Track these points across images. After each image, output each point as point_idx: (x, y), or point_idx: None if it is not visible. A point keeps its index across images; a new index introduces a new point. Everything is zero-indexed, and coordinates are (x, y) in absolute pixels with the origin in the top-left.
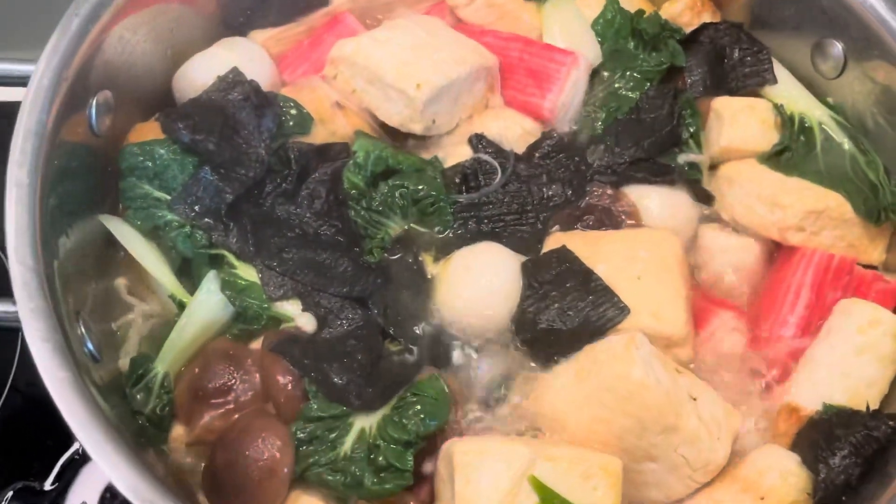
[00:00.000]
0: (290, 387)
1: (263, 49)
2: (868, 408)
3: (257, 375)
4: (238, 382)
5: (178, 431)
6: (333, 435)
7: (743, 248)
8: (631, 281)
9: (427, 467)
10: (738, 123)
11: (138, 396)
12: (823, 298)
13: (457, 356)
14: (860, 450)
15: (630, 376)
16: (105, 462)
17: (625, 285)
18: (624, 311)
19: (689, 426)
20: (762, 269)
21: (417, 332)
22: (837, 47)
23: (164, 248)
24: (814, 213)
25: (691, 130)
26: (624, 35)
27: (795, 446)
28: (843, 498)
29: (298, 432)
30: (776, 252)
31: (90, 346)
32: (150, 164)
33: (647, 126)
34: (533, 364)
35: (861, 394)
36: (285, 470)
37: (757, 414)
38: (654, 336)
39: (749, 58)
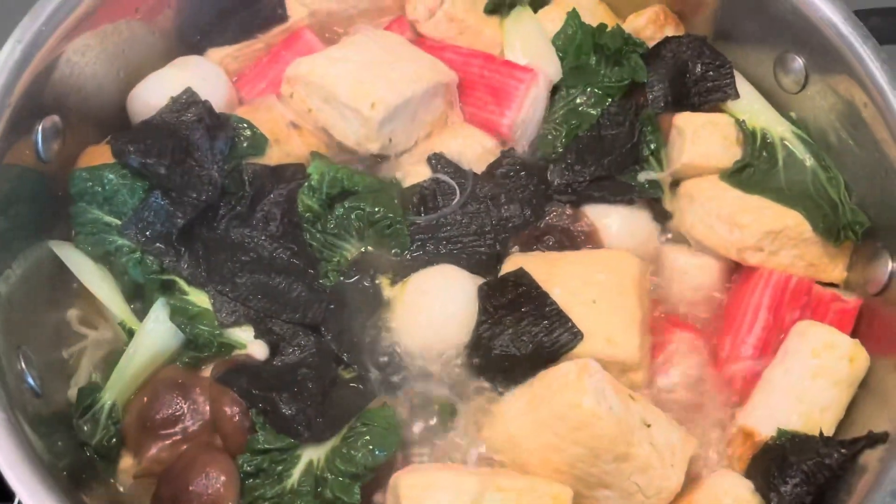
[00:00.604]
0: (236, 418)
1: (220, 67)
2: (821, 434)
3: (206, 405)
4: (186, 413)
5: (126, 462)
6: (280, 468)
7: (702, 267)
8: (586, 305)
9: (377, 498)
10: (699, 140)
11: (85, 427)
12: (781, 319)
13: (410, 382)
14: (812, 478)
15: (581, 405)
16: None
17: (580, 309)
18: (577, 336)
19: (642, 454)
20: (721, 289)
21: (371, 357)
22: (799, 61)
23: (116, 274)
24: (772, 233)
25: (652, 147)
26: (585, 50)
27: (750, 472)
28: None
29: (245, 465)
30: (736, 272)
31: (31, 381)
32: (99, 189)
33: (607, 143)
34: (487, 390)
35: (815, 419)
36: (229, 501)
37: (713, 437)
38: (607, 362)
39: (711, 72)
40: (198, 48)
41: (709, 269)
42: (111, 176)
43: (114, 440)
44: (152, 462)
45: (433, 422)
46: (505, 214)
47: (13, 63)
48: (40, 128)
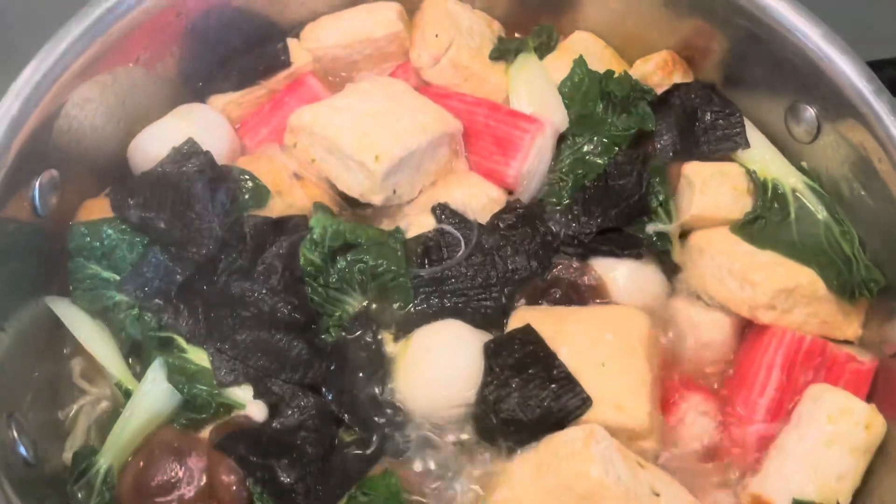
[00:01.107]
0: (234, 487)
1: (222, 115)
2: None
3: (203, 471)
4: (182, 479)
5: None
6: None
7: (714, 323)
8: (595, 367)
9: None
10: (709, 190)
11: (79, 494)
12: (795, 380)
13: (413, 445)
14: None
15: (589, 474)
16: None
17: (588, 372)
18: (586, 402)
19: None
20: (733, 345)
21: (373, 419)
22: (810, 111)
23: (115, 330)
24: (785, 290)
25: (660, 199)
26: (592, 98)
27: None
28: None
29: None
30: (748, 328)
31: (23, 450)
32: (97, 244)
33: (614, 194)
34: (492, 453)
35: (831, 488)
36: None
37: None
38: (616, 429)
39: (721, 121)
40: (200, 95)
41: (720, 324)
42: (110, 231)
43: None
44: None
45: (437, 485)
46: (511, 267)
47: (11, 119)
48: (38, 183)
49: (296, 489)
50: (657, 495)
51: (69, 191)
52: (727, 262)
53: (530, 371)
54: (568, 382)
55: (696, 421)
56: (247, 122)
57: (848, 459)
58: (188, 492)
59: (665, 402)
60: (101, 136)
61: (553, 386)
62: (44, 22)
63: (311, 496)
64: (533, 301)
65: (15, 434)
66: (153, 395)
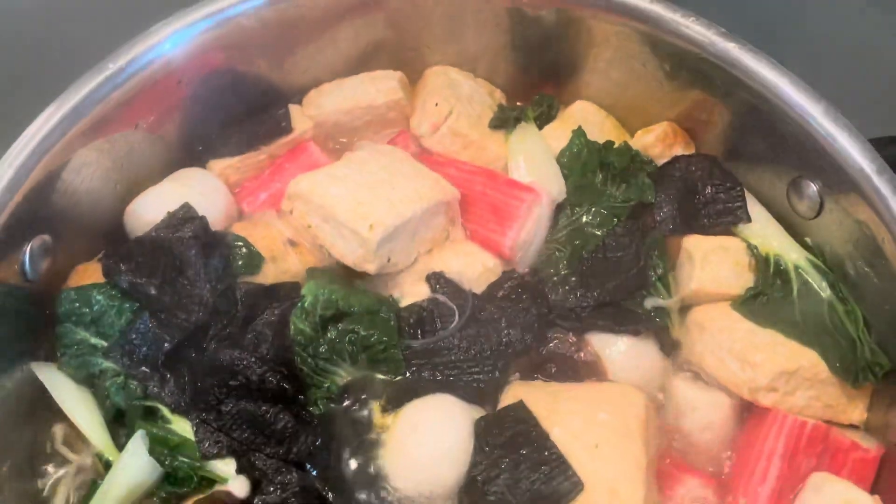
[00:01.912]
0: None
1: (220, 180)
2: None
3: None
4: None
5: None
6: None
7: (713, 404)
8: (588, 449)
9: None
10: (709, 265)
11: None
12: (797, 468)
13: None
14: None
15: None
16: None
17: (581, 454)
18: (577, 486)
19: None
20: (733, 428)
21: (358, 497)
22: (813, 187)
23: (100, 398)
24: (786, 373)
25: (659, 273)
26: (591, 168)
27: None
28: None
29: None
30: (748, 411)
31: None
32: (87, 310)
33: (612, 266)
34: None
35: None
36: None
37: None
38: None
39: (722, 194)
40: (199, 159)
41: (720, 406)
42: (99, 297)
43: None
44: None
45: None
46: (505, 340)
47: (4, 185)
48: (29, 248)
49: None
50: None
51: (61, 255)
52: (727, 340)
53: (521, 451)
54: (559, 464)
55: None
56: (245, 186)
57: None
58: None
59: (661, 486)
60: (96, 199)
61: (544, 468)
62: (44, 86)
63: None
64: (527, 375)
65: None
66: (133, 467)
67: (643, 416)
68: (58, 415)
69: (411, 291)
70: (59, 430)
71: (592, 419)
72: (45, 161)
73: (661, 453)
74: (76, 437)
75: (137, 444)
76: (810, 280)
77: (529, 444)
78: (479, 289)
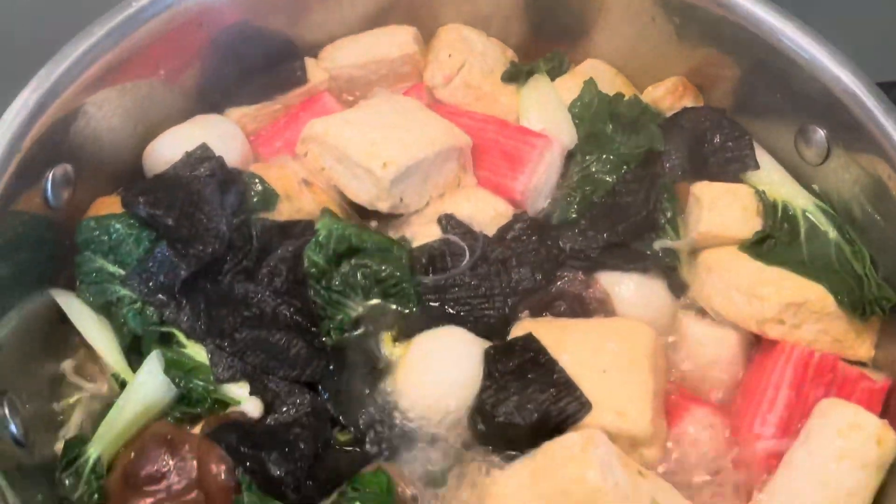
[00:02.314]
0: (222, 477)
1: (237, 126)
2: None
3: (194, 463)
4: (172, 470)
5: None
6: None
7: (721, 339)
8: (596, 373)
9: None
10: (717, 209)
11: (67, 482)
12: (805, 397)
13: (408, 448)
14: None
15: (585, 479)
16: None
17: (589, 378)
18: (585, 406)
19: None
20: (741, 362)
21: (368, 420)
22: (821, 133)
23: (116, 326)
24: (793, 305)
25: (668, 216)
26: (602, 118)
27: None
28: None
29: None
30: (756, 346)
31: (13, 429)
32: (105, 238)
33: (622, 210)
34: (489, 459)
35: None
36: None
37: None
38: (617, 435)
39: (730, 143)
40: (217, 107)
41: (727, 341)
42: (118, 225)
43: (95, 496)
44: None
45: (430, 490)
46: (515, 278)
47: (28, 109)
48: (51, 175)
49: (285, 481)
50: None
51: (82, 188)
52: (735, 278)
53: (529, 376)
54: (567, 386)
55: (701, 434)
56: (261, 134)
57: (859, 475)
58: (177, 483)
59: (669, 415)
60: (117, 137)
61: (552, 390)
62: (70, 25)
63: (301, 490)
64: (537, 313)
65: (6, 411)
66: (149, 385)
67: (651, 347)
68: (74, 346)
69: (422, 233)
70: (75, 361)
71: (601, 348)
72: (69, 93)
73: (669, 387)
74: (92, 366)
75: (153, 362)
76: (817, 223)
77: (538, 369)
78: (489, 232)
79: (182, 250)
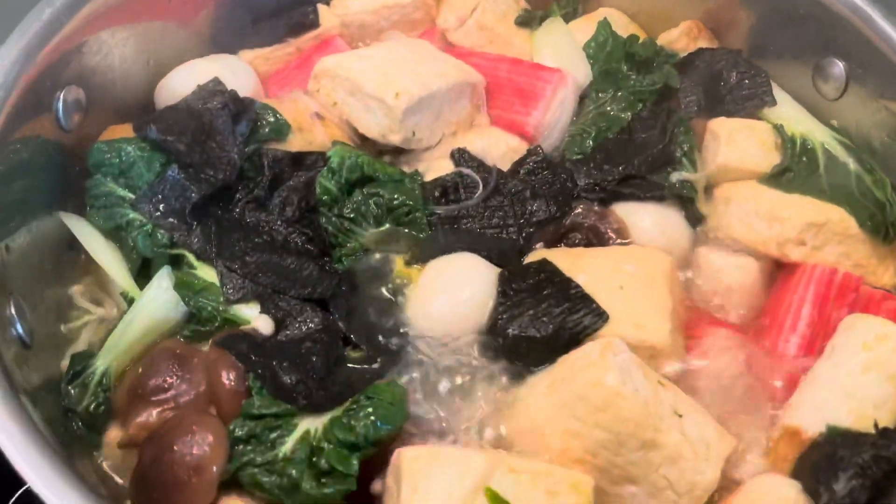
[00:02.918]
0: (232, 382)
1: (250, 66)
2: (877, 426)
3: (203, 377)
4: (181, 381)
5: (112, 434)
6: (274, 434)
7: (740, 267)
8: (613, 290)
9: (376, 487)
10: (735, 143)
11: (73, 392)
12: (827, 317)
13: (422, 366)
14: (868, 471)
15: (604, 383)
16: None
17: (606, 294)
18: (602, 316)
19: (671, 442)
20: (761, 290)
21: (381, 339)
22: (839, 66)
23: (125, 251)
24: (814, 225)
25: (685, 149)
26: (616, 58)
27: (796, 472)
28: None
29: (236, 430)
30: (777, 273)
31: (20, 328)
32: (116, 161)
33: (638, 145)
34: (504, 376)
35: (868, 415)
36: (215, 469)
37: (752, 439)
38: (635, 346)
39: (747, 80)
40: (230, 49)
41: (747, 269)
42: (129, 148)
43: (101, 408)
44: (139, 429)
45: (444, 406)
46: (529, 209)
47: (41, 24)
48: (62, 95)
49: (296, 389)
50: (679, 416)
51: (94, 115)
52: (754, 205)
53: (545, 292)
54: (583, 300)
55: (721, 355)
56: (273, 76)
57: (886, 386)
58: (186, 394)
59: (688, 338)
60: (129, 69)
61: (567, 304)
62: None
63: (312, 398)
64: (552, 245)
65: (13, 310)
66: (158, 301)
67: (668, 269)
68: (81, 271)
69: (435, 167)
70: (82, 285)
71: (617, 269)
72: (84, 12)
73: (688, 313)
74: (100, 293)
75: (163, 277)
76: (837, 155)
77: (553, 286)
78: (503, 167)
79: (193, 174)
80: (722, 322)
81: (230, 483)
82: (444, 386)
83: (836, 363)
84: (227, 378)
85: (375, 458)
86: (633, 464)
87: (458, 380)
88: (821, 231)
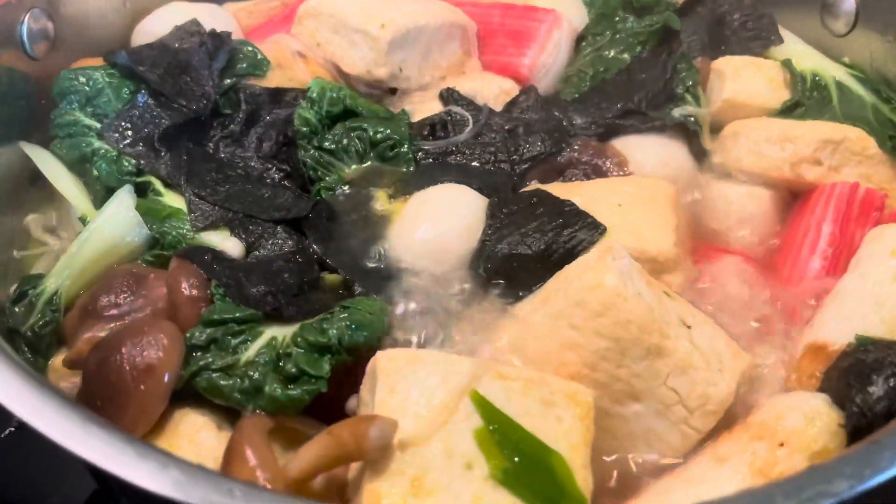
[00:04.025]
0: (194, 291)
1: (233, 17)
2: None
3: (161, 291)
4: (136, 297)
5: (60, 360)
6: (237, 340)
7: (752, 196)
8: (611, 208)
9: (352, 403)
10: (741, 78)
11: (17, 310)
12: (850, 235)
13: (405, 295)
14: None
15: (603, 285)
16: None
17: (604, 211)
18: (599, 228)
19: (680, 349)
20: (775, 221)
21: (360, 265)
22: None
23: (90, 182)
24: (831, 142)
25: (687, 84)
26: (614, 5)
27: (822, 388)
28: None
29: (195, 337)
30: (793, 204)
31: None
32: (84, 87)
33: (637, 84)
34: (495, 300)
35: None
36: (167, 373)
37: (772, 365)
38: (637, 257)
39: (751, 22)
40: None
41: (759, 197)
42: (97, 75)
43: (48, 328)
44: (87, 344)
45: (429, 331)
46: (523, 145)
47: None
48: (26, 20)
49: (264, 300)
50: (688, 327)
51: (65, 51)
52: (765, 133)
53: (537, 212)
54: (578, 214)
55: (733, 280)
56: (256, 29)
57: None
58: (141, 312)
59: (697, 263)
60: (103, 7)
61: (560, 219)
62: None
63: (281, 309)
64: (547, 181)
65: None
66: (117, 221)
67: (671, 194)
68: (39, 202)
69: (423, 109)
70: (42, 216)
71: (616, 189)
72: None
73: (695, 244)
74: (58, 223)
75: (123, 197)
76: (851, 89)
77: (546, 206)
78: (496, 109)
79: (165, 103)
80: (731, 248)
81: (185, 396)
82: (429, 314)
83: (863, 273)
84: (186, 285)
85: (351, 374)
86: (637, 376)
87: (445, 307)
88: (838, 150)
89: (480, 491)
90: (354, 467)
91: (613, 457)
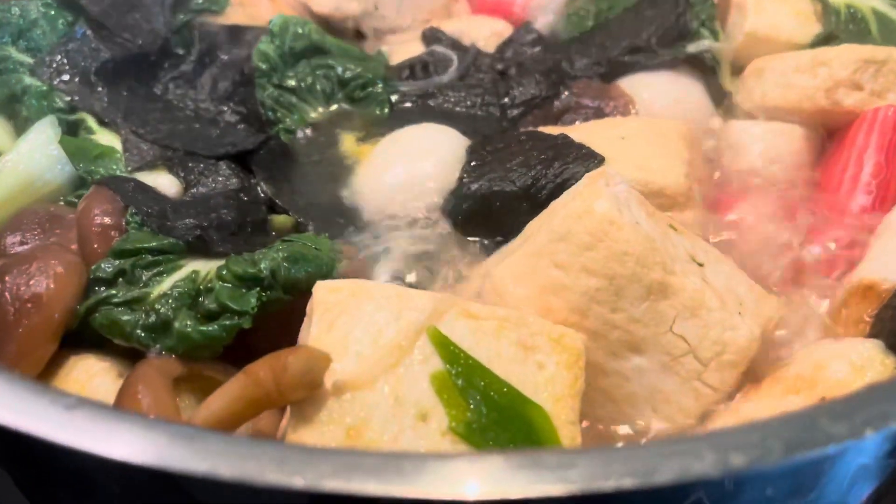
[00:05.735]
0: (106, 219)
1: None
2: None
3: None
4: (48, 236)
5: None
6: (149, 273)
7: (781, 133)
8: (612, 141)
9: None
10: (764, 10)
11: None
12: None
13: (369, 239)
14: None
15: (592, 211)
16: None
17: (606, 144)
18: (596, 158)
19: (689, 287)
20: (807, 159)
21: (316, 206)
22: None
23: (21, 126)
24: (872, 63)
25: (702, 18)
26: None
27: (873, 333)
28: None
29: (103, 265)
30: (829, 142)
31: None
32: (16, 20)
33: (646, 19)
34: (472, 251)
35: None
36: (55, 305)
37: (809, 314)
38: (640, 191)
39: None
40: None
41: (789, 134)
42: (31, 6)
43: None
44: None
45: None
46: (515, 88)
47: None
48: None
49: (189, 231)
50: (700, 265)
51: None
52: (793, 63)
53: (525, 147)
54: (571, 146)
55: (761, 222)
56: None
57: None
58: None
59: (720, 206)
60: None
61: (551, 152)
62: None
63: (209, 245)
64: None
65: None
66: (36, 155)
67: (684, 131)
68: None
69: (402, 50)
70: None
71: (619, 124)
72: None
73: (715, 192)
74: None
75: (43, 129)
76: (892, 18)
77: (534, 140)
78: (487, 50)
79: (107, 35)
80: (756, 191)
81: (85, 339)
82: (397, 261)
83: None
84: (99, 211)
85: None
86: (637, 321)
87: (415, 254)
88: (881, 71)
89: (436, 446)
90: (288, 420)
91: (612, 426)
